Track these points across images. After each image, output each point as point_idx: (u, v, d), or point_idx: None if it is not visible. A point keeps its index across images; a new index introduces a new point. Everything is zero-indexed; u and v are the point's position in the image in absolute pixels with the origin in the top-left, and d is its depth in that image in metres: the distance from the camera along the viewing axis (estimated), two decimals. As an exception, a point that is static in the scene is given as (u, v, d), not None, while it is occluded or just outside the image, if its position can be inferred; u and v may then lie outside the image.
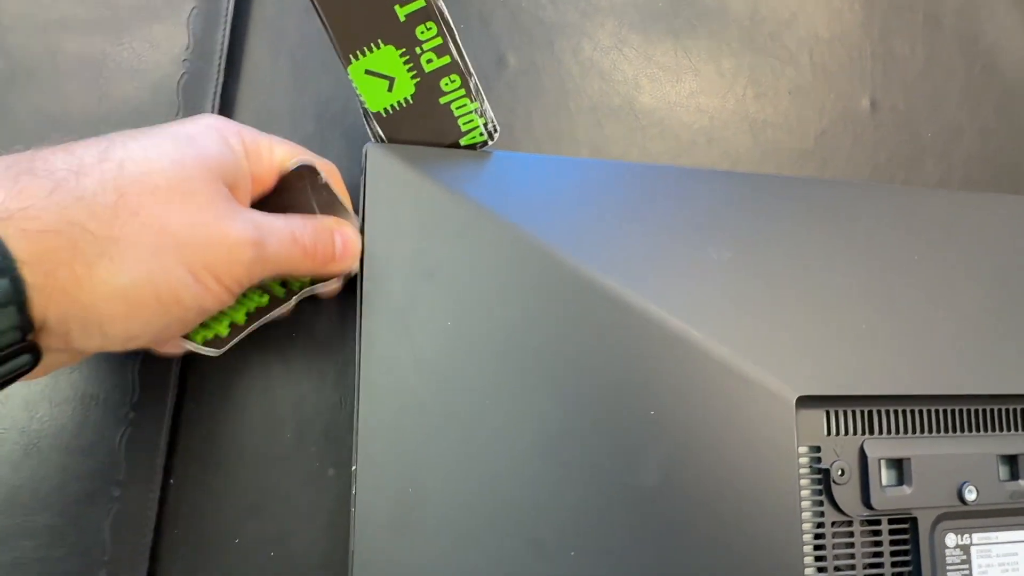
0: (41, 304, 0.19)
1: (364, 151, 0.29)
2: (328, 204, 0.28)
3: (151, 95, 0.31)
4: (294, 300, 0.28)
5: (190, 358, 0.30)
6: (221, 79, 0.31)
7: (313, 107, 0.34)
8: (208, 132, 0.24)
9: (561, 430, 0.28)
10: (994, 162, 0.42)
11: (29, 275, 0.19)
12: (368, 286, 0.28)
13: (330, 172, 0.29)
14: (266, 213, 0.25)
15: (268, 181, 0.27)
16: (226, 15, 0.32)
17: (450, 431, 0.28)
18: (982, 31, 0.44)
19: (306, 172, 0.28)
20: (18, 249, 0.19)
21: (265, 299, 0.28)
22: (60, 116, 0.31)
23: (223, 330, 0.27)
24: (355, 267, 0.28)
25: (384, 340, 0.28)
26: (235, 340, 0.27)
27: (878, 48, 0.42)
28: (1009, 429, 0.35)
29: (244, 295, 0.27)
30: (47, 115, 0.31)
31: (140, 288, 0.21)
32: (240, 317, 0.27)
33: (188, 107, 0.31)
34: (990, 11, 0.44)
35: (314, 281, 0.29)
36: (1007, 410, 0.35)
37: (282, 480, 0.30)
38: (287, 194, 0.28)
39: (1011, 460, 0.34)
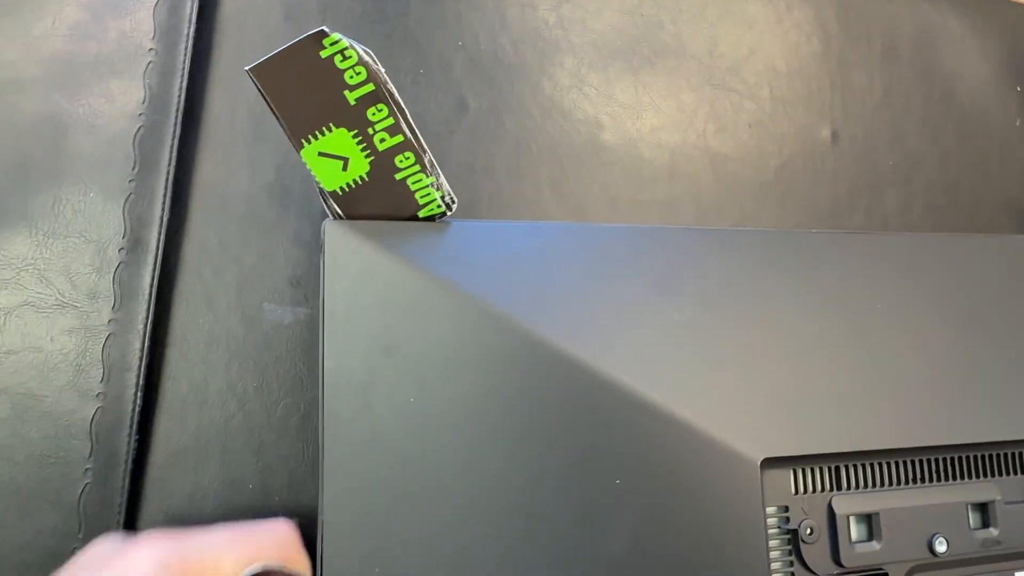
0: None
1: (322, 228, 0.29)
2: None
3: (107, 149, 0.31)
4: None
5: (146, 413, 0.30)
6: (178, 131, 0.31)
7: (272, 157, 0.34)
8: None
9: (527, 501, 0.28)
10: (955, 189, 0.42)
11: None
12: (329, 364, 0.28)
13: (285, 540, 0.27)
14: None
15: None
16: (183, 68, 0.32)
17: (416, 508, 0.27)
18: (939, 60, 0.44)
19: None
20: None
21: None
22: (18, 173, 0.31)
23: None
24: None
25: (346, 419, 0.27)
26: None
27: (836, 79, 0.42)
28: (978, 476, 0.35)
29: None
30: (4, 172, 0.31)
31: None
32: None
33: (144, 160, 0.31)
34: (947, 40, 0.45)
35: None
36: (974, 457, 0.35)
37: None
38: None
39: (981, 508, 0.34)
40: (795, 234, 0.35)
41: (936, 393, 0.34)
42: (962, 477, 0.34)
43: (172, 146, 0.31)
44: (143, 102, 0.31)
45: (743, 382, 0.31)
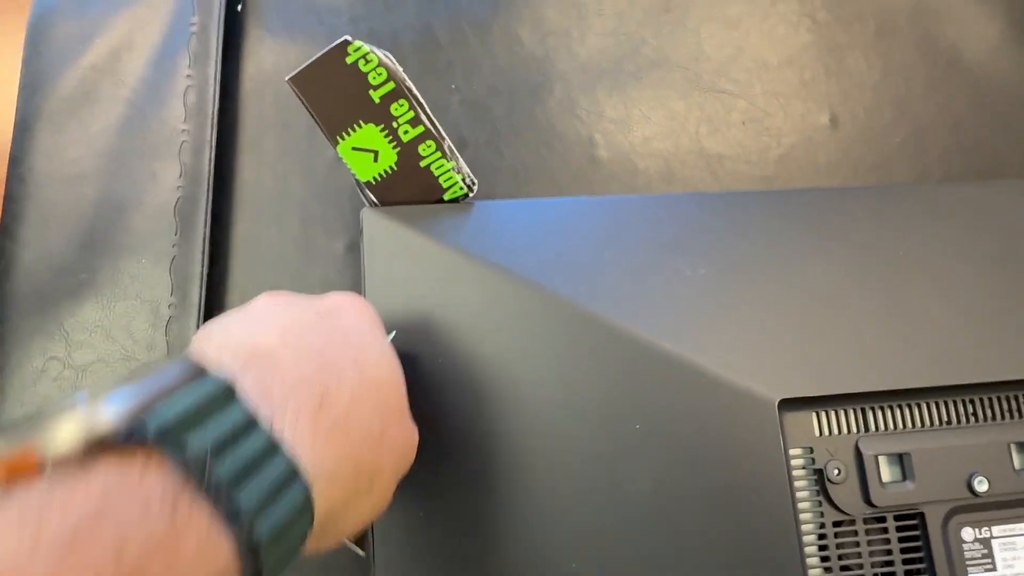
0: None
1: (361, 216, 0.33)
2: None
3: (154, 221, 0.36)
4: None
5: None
6: (210, 197, 0.36)
7: (296, 210, 0.38)
8: (373, 329, 0.26)
9: (558, 446, 0.30)
10: (974, 153, 0.41)
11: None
12: None
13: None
14: None
15: None
16: (211, 143, 0.37)
17: (458, 462, 0.30)
18: (940, 31, 0.44)
19: None
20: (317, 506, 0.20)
21: None
22: (86, 252, 0.36)
23: None
24: None
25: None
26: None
27: (831, 66, 0.43)
28: (1021, 416, 0.33)
29: None
30: (76, 248, 0.36)
31: (379, 509, 0.25)
32: None
33: (184, 226, 0.36)
34: (947, 7, 0.44)
35: None
36: (1015, 396, 0.33)
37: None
38: None
39: (1025, 445, 0.32)
40: (808, 192, 0.36)
41: (968, 330, 0.33)
42: (1003, 417, 0.33)
43: (207, 211, 0.36)
44: (180, 176, 0.36)
45: (759, 329, 0.32)
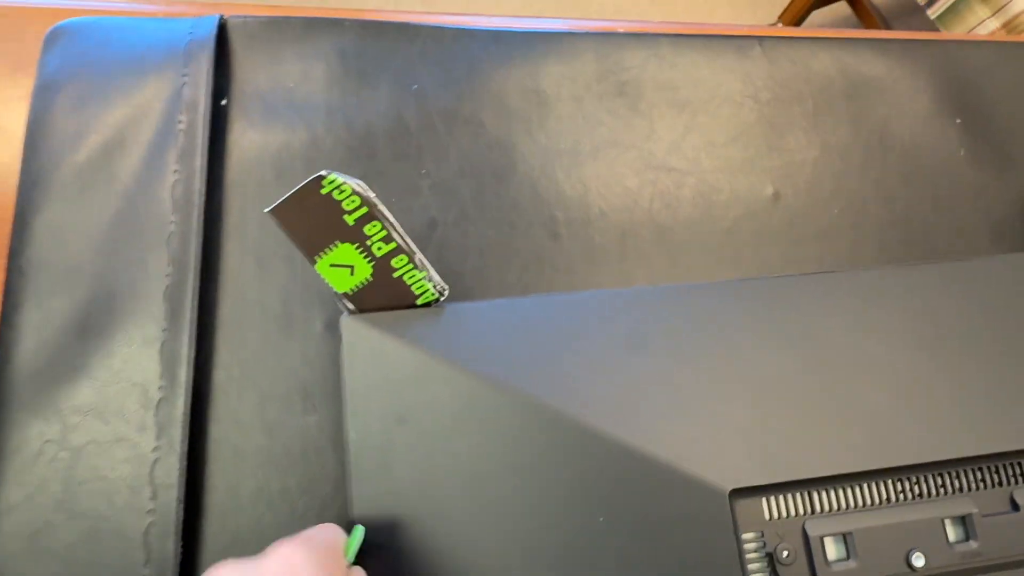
0: None
1: (340, 323, 0.36)
2: None
3: (144, 305, 0.39)
4: None
5: (189, 522, 0.36)
6: (196, 283, 0.39)
7: (277, 292, 0.41)
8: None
9: (526, 541, 0.33)
10: (905, 224, 0.45)
11: None
12: (352, 435, 0.34)
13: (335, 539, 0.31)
14: None
15: None
16: (197, 230, 0.40)
17: (434, 551, 0.33)
18: (872, 107, 0.48)
19: None
20: None
21: None
22: (79, 334, 0.39)
23: None
24: None
25: (370, 479, 0.34)
26: None
27: (773, 141, 0.46)
28: (955, 492, 0.36)
29: None
30: (72, 335, 0.39)
31: None
32: None
33: (172, 311, 0.38)
34: (878, 87, 0.48)
35: None
36: (949, 474, 0.36)
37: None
38: None
39: (961, 520, 0.35)
40: (750, 281, 0.39)
41: (904, 414, 0.36)
42: (938, 494, 0.36)
43: (194, 296, 0.38)
44: (168, 264, 0.39)
45: (710, 419, 0.35)
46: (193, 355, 0.38)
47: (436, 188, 0.44)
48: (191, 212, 0.40)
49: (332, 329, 0.41)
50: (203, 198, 0.40)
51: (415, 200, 0.43)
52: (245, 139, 0.44)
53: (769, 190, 0.45)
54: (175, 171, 0.41)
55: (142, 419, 0.37)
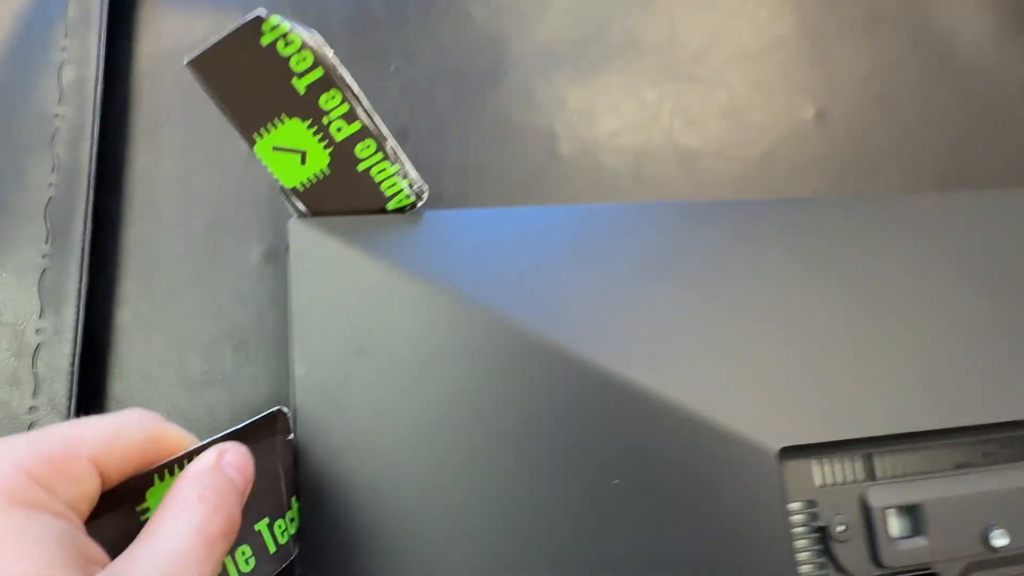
0: None
1: (287, 227, 0.28)
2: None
3: (17, 226, 0.29)
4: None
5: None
6: (91, 196, 0.30)
7: (202, 212, 0.32)
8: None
9: (519, 506, 0.25)
10: (966, 157, 0.38)
11: None
12: (299, 369, 0.26)
13: (145, 417, 0.21)
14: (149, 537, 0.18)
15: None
16: (92, 129, 0.30)
17: (396, 516, 0.25)
18: (931, 18, 0.40)
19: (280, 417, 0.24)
20: None
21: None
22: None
23: None
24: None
25: (321, 424, 0.25)
26: None
27: (817, 54, 0.38)
28: None
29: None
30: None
31: None
32: None
33: (56, 231, 0.29)
34: (938, -4, 0.41)
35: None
36: None
37: None
38: None
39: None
40: (798, 203, 0.32)
41: (982, 364, 0.29)
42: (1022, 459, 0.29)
43: (86, 212, 0.29)
44: (52, 170, 0.30)
45: (752, 366, 0.28)
46: (85, 289, 0.29)
47: (407, 91, 0.35)
48: (85, 104, 0.31)
49: (272, 262, 0.32)
50: (101, 86, 0.31)
51: (380, 104, 0.34)
52: (161, 20, 0.34)
53: (811, 110, 0.37)
54: (63, 49, 0.31)
55: (14, 370, 0.28)
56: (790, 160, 0.36)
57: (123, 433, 0.20)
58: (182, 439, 0.21)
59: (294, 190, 0.27)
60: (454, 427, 0.26)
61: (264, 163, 0.26)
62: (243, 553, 0.22)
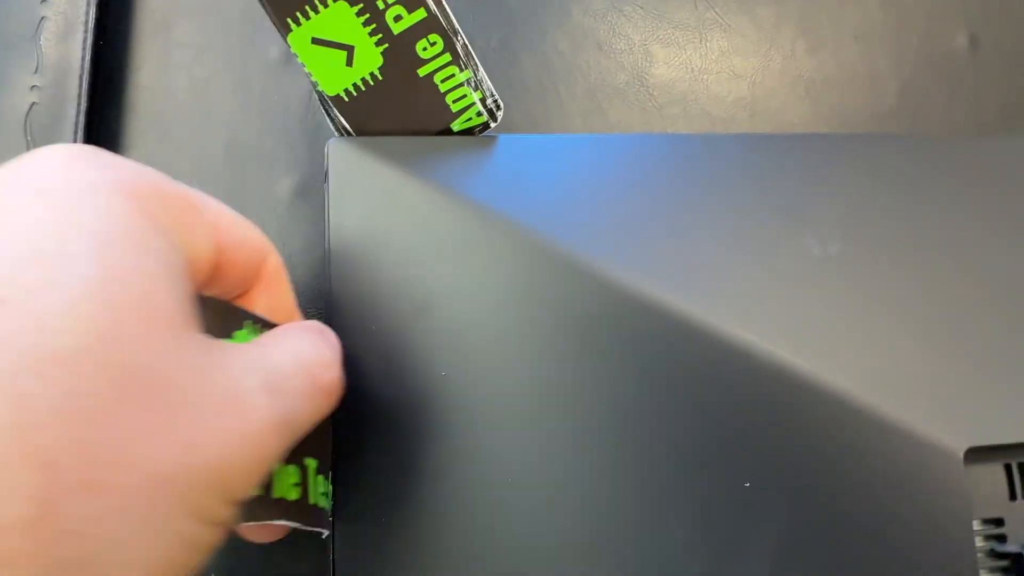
0: None
1: (326, 149, 0.22)
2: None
3: (-6, 138, 0.24)
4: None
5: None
6: (83, 105, 0.24)
7: (221, 133, 0.26)
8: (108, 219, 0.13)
9: (606, 500, 0.20)
10: None
11: None
12: (339, 323, 0.21)
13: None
14: (256, 344, 0.16)
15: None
16: (87, 22, 0.24)
17: (443, 500, 0.20)
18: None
19: None
20: None
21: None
22: None
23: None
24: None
25: (365, 384, 0.21)
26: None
27: (968, -32, 0.31)
28: None
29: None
30: None
31: None
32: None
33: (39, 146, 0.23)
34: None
35: None
36: None
37: None
38: None
39: None
40: (959, 140, 0.26)
41: None
42: None
43: (76, 125, 0.23)
44: (35, 72, 0.24)
45: (926, 343, 0.22)
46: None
47: (473, -5, 0.29)
48: (77, -11, 0.24)
49: (306, 197, 0.26)
50: (98, -33, 0.25)
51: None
52: None
53: (963, 37, 0.30)
54: (50, -83, 0.25)
55: None
56: (935, 94, 0.30)
57: (244, 225, 0.18)
58: (282, 278, 0.20)
59: (336, 99, 0.21)
60: (530, 397, 0.20)
61: (300, 59, 0.20)
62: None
